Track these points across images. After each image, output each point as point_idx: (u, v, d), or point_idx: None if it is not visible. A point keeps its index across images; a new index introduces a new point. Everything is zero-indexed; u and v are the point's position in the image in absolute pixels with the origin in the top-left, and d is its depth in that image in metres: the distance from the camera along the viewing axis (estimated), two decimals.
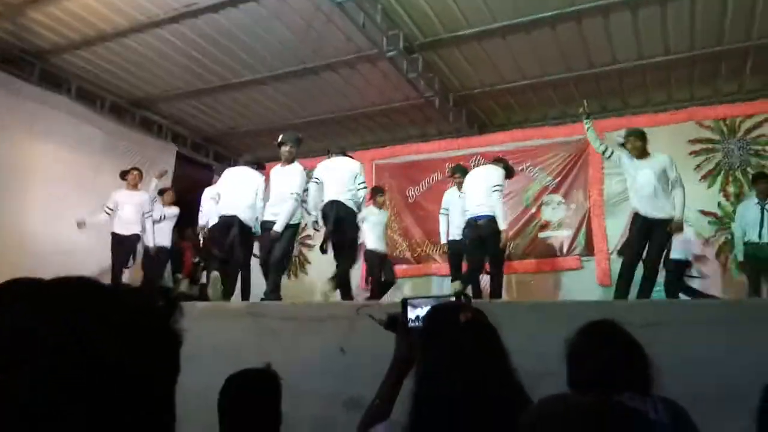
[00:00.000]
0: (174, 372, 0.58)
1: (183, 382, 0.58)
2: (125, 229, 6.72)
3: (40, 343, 0.49)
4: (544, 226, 7.87)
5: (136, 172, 6.98)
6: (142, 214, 6.85)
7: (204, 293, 7.48)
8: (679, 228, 4.89)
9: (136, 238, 6.80)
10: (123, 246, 6.69)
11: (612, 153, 5.22)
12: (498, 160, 6.12)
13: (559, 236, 7.69)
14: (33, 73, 7.57)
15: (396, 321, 1.56)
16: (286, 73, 7.75)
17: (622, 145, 5.16)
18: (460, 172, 6.40)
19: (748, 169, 6.99)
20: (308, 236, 9.18)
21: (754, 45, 6.66)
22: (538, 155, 8.05)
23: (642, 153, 5.00)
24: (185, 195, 7.93)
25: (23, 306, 0.52)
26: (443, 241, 6.61)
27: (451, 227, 6.41)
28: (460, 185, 6.26)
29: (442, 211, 6.63)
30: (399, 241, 8.62)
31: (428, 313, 1.45)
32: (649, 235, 4.83)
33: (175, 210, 7.61)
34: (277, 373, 1.95)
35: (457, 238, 6.17)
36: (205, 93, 8.46)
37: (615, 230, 7.14)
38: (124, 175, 6.97)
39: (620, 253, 5.13)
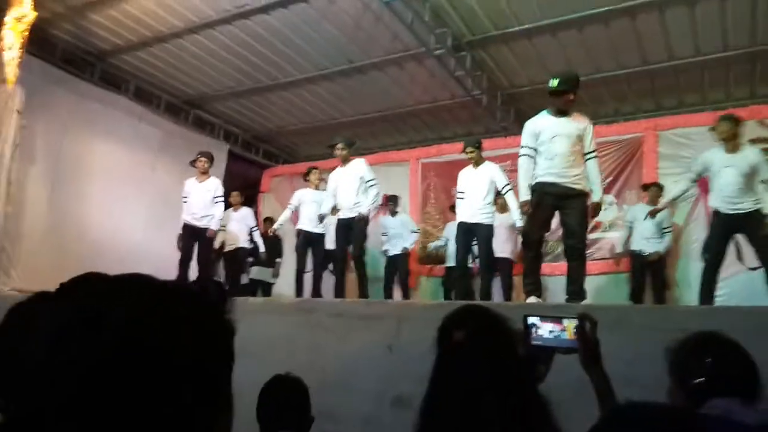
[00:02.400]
0: (229, 360, 0.62)
1: (237, 376, 0.62)
2: (195, 220, 6.39)
3: (104, 333, 0.53)
4: (596, 228, 7.68)
5: (204, 159, 6.55)
6: (214, 202, 6.47)
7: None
8: None
9: (205, 231, 6.38)
10: (192, 237, 6.35)
11: (696, 170, 4.86)
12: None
13: (611, 238, 7.50)
14: (93, 73, 7.90)
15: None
16: (334, 72, 7.84)
17: (713, 128, 4.77)
18: (472, 146, 5.72)
19: None
20: None
21: None
22: None
23: (730, 140, 4.60)
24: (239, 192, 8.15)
25: (91, 300, 0.57)
26: (456, 223, 5.81)
27: (467, 209, 5.63)
28: (476, 163, 5.70)
29: (458, 194, 5.82)
30: None
31: (444, 320, 1.46)
32: (739, 231, 4.50)
33: (244, 211, 7.64)
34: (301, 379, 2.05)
35: (469, 220, 5.55)
36: (255, 92, 8.65)
37: None
38: (193, 162, 6.60)
39: (703, 254, 4.73)
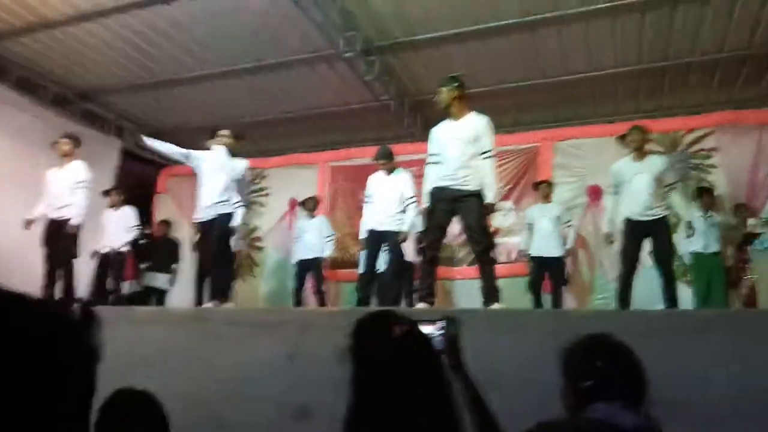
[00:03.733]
0: (86, 390, 0.53)
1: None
2: (53, 211, 5.63)
3: None
4: (495, 233, 7.95)
5: (63, 140, 5.82)
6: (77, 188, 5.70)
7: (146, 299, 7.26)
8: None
9: (65, 223, 5.58)
10: (53, 234, 5.59)
11: (613, 183, 5.07)
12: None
13: (509, 243, 7.79)
14: None
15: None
16: (240, 69, 7.58)
17: (621, 138, 5.04)
18: (384, 158, 5.75)
19: (688, 182, 7.23)
20: (257, 237, 9.03)
21: (696, 61, 6.95)
22: None
23: (640, 149, 4.89)
24: (130, 193, 7.67)
25: None
26: (363, 233, 5.78)
27: (376, 215, 5.64)
28: (388, 171, 5.74)
29: (366, 198, 5.84)
30: (351, 244, 8.54)
31: (355, 326, 1.39)
32: (648, 237, 4.71)
33: (125, 210, 7.03)
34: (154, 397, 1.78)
35: (378, 228, 5.56)
36: (153, 87, 8.19)
37: None
38: (54, 145, 5.93)
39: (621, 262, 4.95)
